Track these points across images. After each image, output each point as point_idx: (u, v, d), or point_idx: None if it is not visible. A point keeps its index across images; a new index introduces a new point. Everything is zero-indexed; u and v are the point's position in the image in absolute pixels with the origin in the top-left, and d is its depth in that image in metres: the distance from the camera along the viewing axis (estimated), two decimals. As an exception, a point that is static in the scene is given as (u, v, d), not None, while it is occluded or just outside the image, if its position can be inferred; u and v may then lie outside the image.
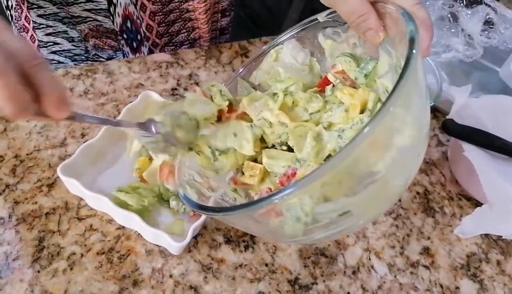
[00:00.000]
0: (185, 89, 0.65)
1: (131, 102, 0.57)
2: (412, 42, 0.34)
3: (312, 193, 0.34)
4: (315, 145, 0.42)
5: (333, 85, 0.46)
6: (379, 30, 0.39)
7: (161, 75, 0.66)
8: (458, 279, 0.51)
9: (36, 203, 0.50)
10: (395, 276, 0.50)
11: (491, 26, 0.75)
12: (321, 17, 0.46)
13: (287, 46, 0.49)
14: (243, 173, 0.44)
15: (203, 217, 0.48)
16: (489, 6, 0.76)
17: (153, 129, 0.41)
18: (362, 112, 0.43)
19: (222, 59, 0.71)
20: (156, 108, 0.43)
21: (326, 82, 0.46)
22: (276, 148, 0.45)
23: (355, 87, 0.44)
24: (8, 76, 0.29)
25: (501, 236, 0.55)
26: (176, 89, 0.65)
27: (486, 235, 0.55)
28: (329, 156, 0.42)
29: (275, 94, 0.45)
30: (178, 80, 0.66)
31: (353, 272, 0.50)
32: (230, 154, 0.44)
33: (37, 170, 0.52)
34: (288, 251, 0.50)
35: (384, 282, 0.50)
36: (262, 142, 0.45)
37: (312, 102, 0.45)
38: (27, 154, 0.53)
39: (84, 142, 0.51)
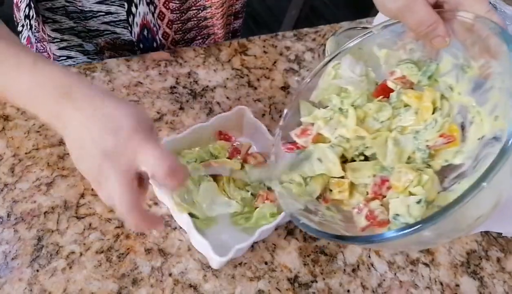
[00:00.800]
0: (184, 88, 0.65)
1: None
2: None
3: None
4: (397, 150, 0.44)
5: (393, 91, 0.48)
6: (446, 36, 0.42)
7: (160, 73, 0.66)
8: (458, 276, 0.51)
9: (34, 202, 0.49)
10: (395, 274, 0.50)
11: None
12: (376, 30, 0.49)
13: (345, 62, 0.51)
14: (330, 190, 0.46)
15: (251, 240, 0.47)
16: (490, 2, 0.75)
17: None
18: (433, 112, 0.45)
19: (221, 57, 0.70)
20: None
21: (385, 88, 0.48)
22: (355, 160, 0.47)
23: (412, 89, 0.47)
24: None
25: (501, 233, 0.55)
26: (175, 87, 0.64)
27: (486, 232, 0.55)
28: (409, 158, 0.45)
29: (341, 109, 0.47)
30: (177, 79, 0.66)
31: (353, 270, 0.50)
32: (317, 177, 0.45)
33: (36, 169, 0.52)
34: (288, 250, 0.50)
35: (384, 280, 0.50)
36: (340, 157, 0.47)
37: (382, 110, 0.47)
38: (26, 153, 0.53)
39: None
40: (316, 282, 0.48)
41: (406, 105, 0.48)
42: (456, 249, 0.53)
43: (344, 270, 0.50)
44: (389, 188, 0.44)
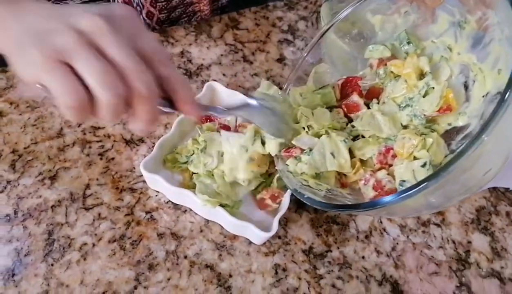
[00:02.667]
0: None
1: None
2: None
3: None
4: (388, 119, 0.45)
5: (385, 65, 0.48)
6: None
7: (152, 55, 0.64)
8: (470, 233, 0.52)
9: (40, 196, 0.48)
10: (408, 237, 0.51)
11: None
12: None
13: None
14: (345, 175, 0.47)
15: (285, 208, 0.47)
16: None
17: (257, 103, 0.41)
18: (421, 77, 0.45)
19: (213, 33, 0.68)
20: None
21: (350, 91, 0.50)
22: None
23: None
24: (154, 94, 0.31)
25: (508, 188, 0.55)
26: (169, 68, 0.63)
27: (494, 188, 0.56)
28: (405, 126, 0.46)
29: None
30: (170, 59, 0.64)
31: (366, 237, 0.50)
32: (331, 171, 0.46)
33: (37, 163, 0.51)
34: (300, 222, 0.50)
35: (397, 243, 0.50)
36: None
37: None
38: (25, 148, 0.52)
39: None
40: (331, 251, 0.49)
41: (396, 76, 0.47)
42: (466, 207, 0.54)
43: (357, 237, 0.50)
44: (394, 156, 0.44)
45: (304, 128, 0.46)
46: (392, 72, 0.48)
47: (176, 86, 0.32)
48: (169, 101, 0.33)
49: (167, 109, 0.33)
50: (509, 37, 0.38)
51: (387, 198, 0.35)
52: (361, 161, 0.46)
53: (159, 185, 0.49)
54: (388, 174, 0.44)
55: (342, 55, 0.53)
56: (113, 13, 0.31)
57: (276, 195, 0.48)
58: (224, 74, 0.63)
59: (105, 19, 0.29)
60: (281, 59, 0.67)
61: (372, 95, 0.49)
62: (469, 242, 0.51)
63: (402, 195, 0.34)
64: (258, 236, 0.46)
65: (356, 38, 0.52)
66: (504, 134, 0.35)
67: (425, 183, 0.33)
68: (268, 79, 0.64)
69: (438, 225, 0.52)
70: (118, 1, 0.63)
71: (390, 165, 0.45)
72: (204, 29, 0.69)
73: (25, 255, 0.44)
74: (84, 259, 0.45)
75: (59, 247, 0.45)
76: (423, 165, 0.41)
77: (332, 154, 0.44)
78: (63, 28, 0.29)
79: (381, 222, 0.51)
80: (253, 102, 0.41)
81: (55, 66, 0.28)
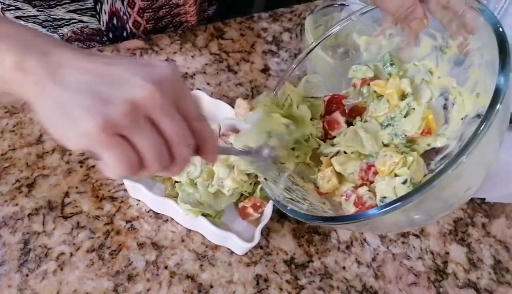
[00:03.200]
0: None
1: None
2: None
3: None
4: (370, 137, 0.46)
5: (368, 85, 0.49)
6: (424, 18, 0.42)
7: (136, 63, 0.63)
8: (448, 244, 0.53)
9: (17, 204, 0.47)
10: (388, 247, 0.51)
11: None
12: (355, 16, 0.49)
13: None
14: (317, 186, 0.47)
15: (267, 218, 0.47)
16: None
17: (266, 154, 0.43)
18: (403, 98, 0.47)
19: (198, 42, 0.69)
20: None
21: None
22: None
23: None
24: (191, 155, 0.32)
25: (484, 199, 0.57)
26: (153, 76, 0.62)
27: (471, 199, 0.57)
28: (386, 145, 0.47)
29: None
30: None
31: (347, 247, 0.51)
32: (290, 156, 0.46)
33: (14, 170, 0.50)
34: (282, 232, 0.50)
35: (377, 254, 0.51)
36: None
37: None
38: (2, 155, 0.50)
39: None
40: (312, 261, 0.49)
41: (379, 96, 0.48)
42: (444, 218, 0.55)
43: (338, 247, 0.50)
44: (375, 173, 0.45)
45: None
46: (375, 91, 0.49)
47: (206, 138, 0.34)
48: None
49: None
50: (488, 62, 0.39)
51: (370, 212, 0.35)
52: (341, 176, 0.46)
53: (140, 193, 0.48)
54: (369, 190, 0.44)
55: (327, 70, 0.54)
56: (162, 77, 0.30)
57: (258, 204, 0.48)
58: (208, 83, 0.63)
59: (157, 87, 0.29)
60: (265, 70, 0.67)
61: (355, 113, 0.50)
62: (447, 253, 0.52)
63: (384, 209, 0.34)
64: (240, 246, 0.46)
65: (342, 57, 0.53)
66: (483, 155, 0.36)
67: (407, 198, 0.33)
68: (252, 89, 0.64)
69: (417, 236, 0.53)
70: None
71: (371, 182, 0.45)
72: (189, 38, 0.69)
73: (-1, 265, 0.43)
74: (61, 269, 0.44)
75: (35, 256, 0.44)
76: (404, 182, 0.42)
77: (269, 133, 0.45)
78: (116, 98, 0.28)
79: (362, 233, 0.52)
80: (264, 152, 0.43)
81: (112, 139, 0.28)
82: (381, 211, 0.34)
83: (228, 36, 0.70)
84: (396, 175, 0.43)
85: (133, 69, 0.29)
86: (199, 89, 0.62)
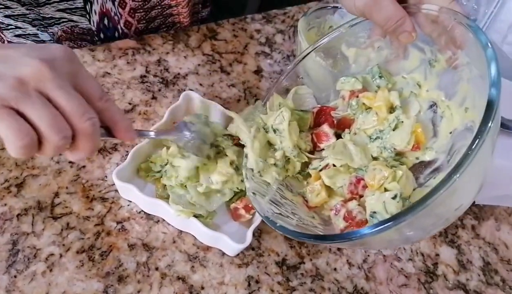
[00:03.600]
0: (155, 76, 0.62)
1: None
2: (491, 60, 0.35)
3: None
4: (359, 150, 0.46)
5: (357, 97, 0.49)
6: (413, 31, 0.42)
7: (128, 63, 0.63)
8: (438, 246, 0.53)
9: (5, 205, 0.47)
10: (378, 249, 0.51)
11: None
12: (344, 28, 0.49)
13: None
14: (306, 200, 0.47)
15: (259, 219, 0.47)
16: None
17: (187, 129, 0.46)
18: (391, 111, 0.47)
19: (191, 43, 0.68)
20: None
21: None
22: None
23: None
24: (97, 130, 0.33)
25: (474, 201, 0.57)
26: (145, 76, 0.62)
27: (460, 202, 0.57)
28: (375, 158, 0.47)
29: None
30: (147, 67, 0.63)
31: (338, 249, 0.51)
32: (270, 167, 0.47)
33: (3, 170, 0.49)
34: (274, 234, 0.50)
35: (368, 256, 0.51)
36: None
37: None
38: (-10, 154, 0.50)
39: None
40: (304, 263, 0.49)
41: (367, 108, 0.48)
42: (434, 220, 0.55)
43: (330, 249, 0.50)
44: (364, 187, 0.45)
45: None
46: (364, 104, 0.49)
47: (114, 118, 0.36)
48: (107, 129, 0.37)
49: (105, 138, 0.37)
50: (477, 77, 0.39)
51: (362, 230, 0.34)
52: (330, 189, 0.46)
53: (132, 194, 0.48)
54: (359, 204, 0.44)
55: (320, 73, 0.54)
56: (54, 56, 0.33)
57: (250, 205, 0.48)
58: (201, 84, 0.63)
59: (46, 64, 0.31)
60: (258, 71, 0.67)
61: (343, 125, 0.50)
62: (437, 254, 0.52)
63: (376, 229, 0.33)
64: (231, 247, 0.46)
65: (332, 67, 0.53)
66: (476, 170, 0.35)
67: (399, 218, 0.33)
68: (244, 90, 0.64)
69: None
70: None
71: (361, 196, 0.45)
72: (181, 38, 0.68)
73: (-13, 266, 0.42)
74: (50, 270, 0.43)
75: (23, 257, 0.44)
76: (394, 197, 0.41)
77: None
78: (5, 75, 0.30)
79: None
80: (185, 132, 0.47)
81: (2, 112, 0.30)
82: (373, 230, 0.34)
83: (221, 37, 0.70)
84: (386, 190, 0.43)
85: (26, 51, 0.32)
86: (191, 90, 0.62)
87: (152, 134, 0.45)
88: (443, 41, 0.42)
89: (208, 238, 0.47)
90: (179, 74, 0.64)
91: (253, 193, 0.44)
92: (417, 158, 0.46)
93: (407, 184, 0.43)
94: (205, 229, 0.45)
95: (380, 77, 0.48)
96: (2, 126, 0.30)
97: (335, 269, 0.49)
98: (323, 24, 0.64)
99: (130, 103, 0.58)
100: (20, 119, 0.30)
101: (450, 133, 0.43)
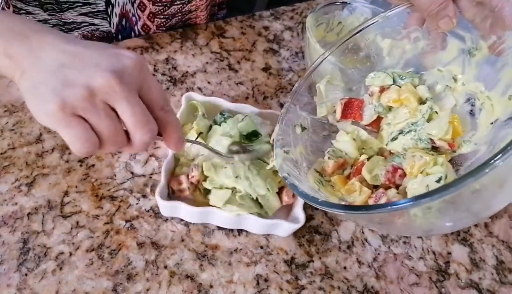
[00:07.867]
0: (163, 75, 0.62)
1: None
2: None
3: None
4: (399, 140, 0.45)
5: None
6: (454, 17, 0.41)
7: (136, 61, 0.63)
8: (450, 244, 0.52)
9: (16, 204, 0.47)
10: (389, 247, 0.51)
11: None
12: (380, 17, 0.47)
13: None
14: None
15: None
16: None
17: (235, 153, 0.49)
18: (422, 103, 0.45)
19: (199, 41, 0.68)
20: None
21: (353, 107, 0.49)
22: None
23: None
24: (152, 140, 0.35)
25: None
26: (154, 75, 0.62)
27: (473, 199, 0.56)
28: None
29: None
30: (155, 65, 0.63)
31: (348, 247, 0.50)
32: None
33: (14, 169, 0.49)
34: (282, 232, 0.50)
35: (378, 254, 0.50)
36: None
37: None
38: (2, 153, 0.50)
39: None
40: (313, 261, 0.48)
41: (391, 107, 0.47)
42: (446, 218, 0.54)
43: (339, 247, 0.50)
44: (401, 176, 0.43)
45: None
46: (389, 106, 0.47)
47: (170, 128, 0.37)
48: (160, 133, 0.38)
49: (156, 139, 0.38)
50: None
51: (405, 201, 0.32)
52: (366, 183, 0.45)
53: (180, 210, 0.47)
54: (397, 193, 0.43)
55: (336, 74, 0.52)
56: (124, 66, 0.33)
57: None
58: (209, 82, 0.63)
59: (116, 76, 0.32)
60: (266, 69, 0.67)
61: (373, 122, 0.49)
62: (449, 253, 0.51)
63: (420, 199, 0.31)
64: (289, 229, 0.48)
65: (363, 61, 0.51)
66: None
67: (439, 192, 0.30)
68: (253, 88, 0.64)
69: (419, 236, 0.52)
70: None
71: (398, 185, 0.44)
72: (189, 36, 0.68)
73: (-2, 265, 0.43)
74: (60, 268, 0.44)
75: (34, 256, 0.44)
76: (438, 180, 0.39)
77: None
78: (77, 82, 0.31)
79: (363, 232, 0.52)
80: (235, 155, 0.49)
81: (70, 119, 0.31)
82: (415, 202, 0.31)
83: (229, 35, 0.70)
84: (427, 175, 0.41)
85: (99, 58, 0.33)
86: (199, 88, 0.62)
87: (201, 144, 0.47)
88: (487, 25, 0.41)
89: (265, 228, 0.48)
90: (187, 72, 0.64)
91: (288, 175, 0.43)
92: (454, 151, 0.44)
93: (448, 172, 0.41)
94: (263, 220, 0.47)
95: (409, 73, 0.47)
96: (71, 133, 0.32)
97: (344, 267, 0.49)
98: (332, 20, 0.63)
99: (138, 102, 0.58)
100: (89, 129, 0.32)
101: (491, 123, 0.42)
